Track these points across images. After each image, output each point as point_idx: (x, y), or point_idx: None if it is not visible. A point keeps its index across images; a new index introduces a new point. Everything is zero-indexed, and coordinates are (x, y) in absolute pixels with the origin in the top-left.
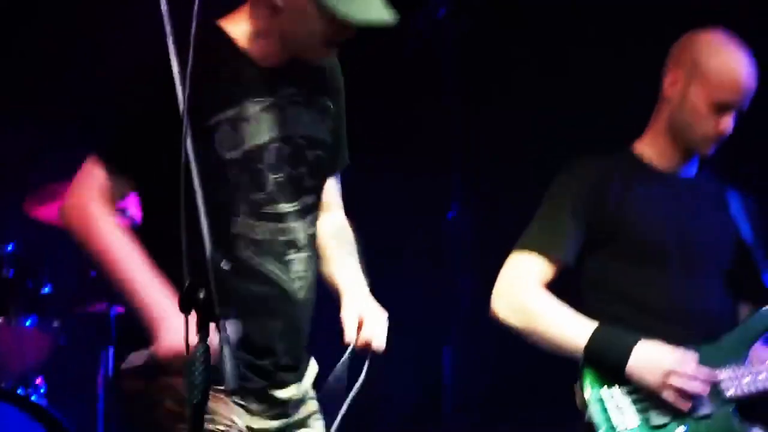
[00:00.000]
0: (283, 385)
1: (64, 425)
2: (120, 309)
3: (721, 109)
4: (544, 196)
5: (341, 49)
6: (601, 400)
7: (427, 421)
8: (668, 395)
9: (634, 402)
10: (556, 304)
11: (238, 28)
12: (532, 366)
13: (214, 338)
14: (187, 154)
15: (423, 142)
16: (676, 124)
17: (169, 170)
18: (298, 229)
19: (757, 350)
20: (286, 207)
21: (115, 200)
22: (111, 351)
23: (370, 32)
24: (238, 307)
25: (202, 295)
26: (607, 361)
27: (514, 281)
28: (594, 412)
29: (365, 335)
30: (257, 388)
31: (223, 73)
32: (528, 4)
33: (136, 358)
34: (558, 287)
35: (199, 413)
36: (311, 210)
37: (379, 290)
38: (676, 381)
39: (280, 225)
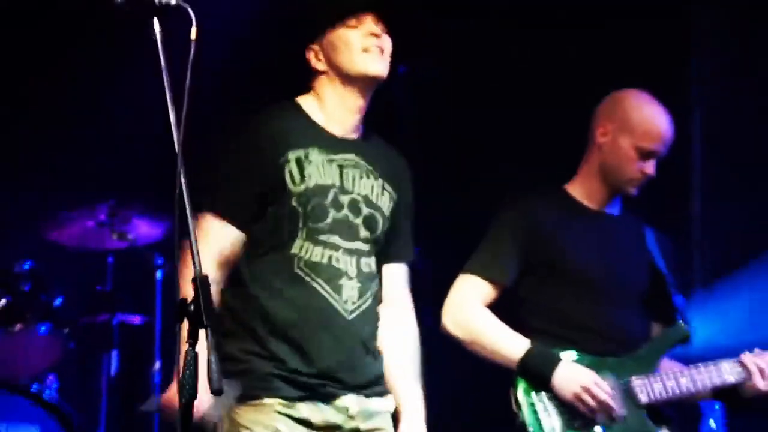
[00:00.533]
0: (330, 397)
1: (72, 418)
2: (122, 318)
3: (646, 155)
4: (488, 227)
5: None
6: (532, 404)
7: None
8: (581, 407)
9: (559, 407)
10: (495, 322)
11: (307, 101)
12: (489, 392)
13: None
14: (181, 190)
15: None
16: (607, 167)
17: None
18: (349, 263)
19: (665, 362)
20: (341, 242)
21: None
22: (113, 355)
23: None
24: (292, 317)
25: (192, 308)
26: (536, 374)
27: (461, 300)
28: (526, 415)
29: None
30: (302, 396)
31: (295, 126)
32: (528, 4)
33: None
34: (498, 306)
35: (188, 410)
36: (364, 255)
37: None
38: (587, 397)
39: (335, 254)
